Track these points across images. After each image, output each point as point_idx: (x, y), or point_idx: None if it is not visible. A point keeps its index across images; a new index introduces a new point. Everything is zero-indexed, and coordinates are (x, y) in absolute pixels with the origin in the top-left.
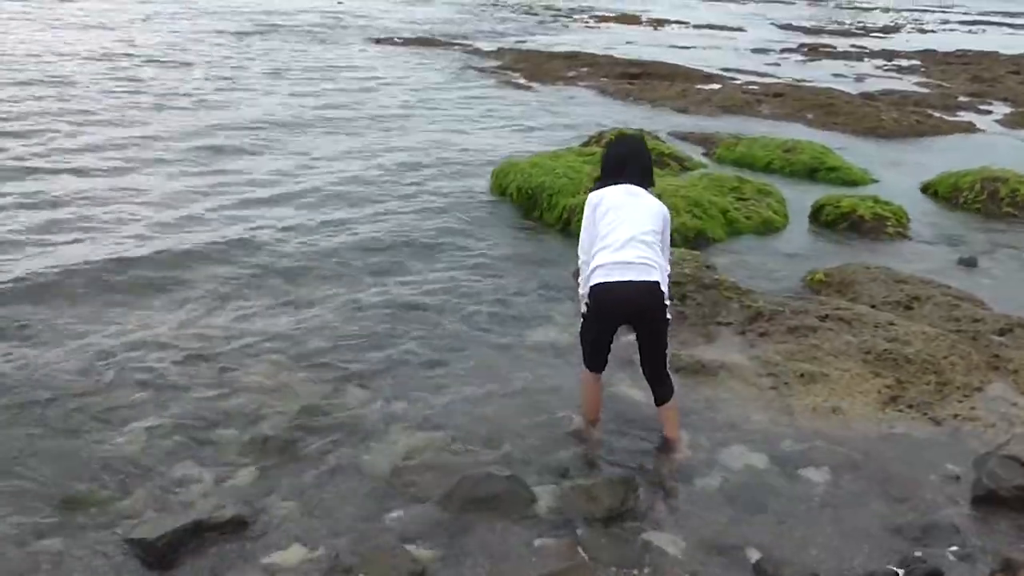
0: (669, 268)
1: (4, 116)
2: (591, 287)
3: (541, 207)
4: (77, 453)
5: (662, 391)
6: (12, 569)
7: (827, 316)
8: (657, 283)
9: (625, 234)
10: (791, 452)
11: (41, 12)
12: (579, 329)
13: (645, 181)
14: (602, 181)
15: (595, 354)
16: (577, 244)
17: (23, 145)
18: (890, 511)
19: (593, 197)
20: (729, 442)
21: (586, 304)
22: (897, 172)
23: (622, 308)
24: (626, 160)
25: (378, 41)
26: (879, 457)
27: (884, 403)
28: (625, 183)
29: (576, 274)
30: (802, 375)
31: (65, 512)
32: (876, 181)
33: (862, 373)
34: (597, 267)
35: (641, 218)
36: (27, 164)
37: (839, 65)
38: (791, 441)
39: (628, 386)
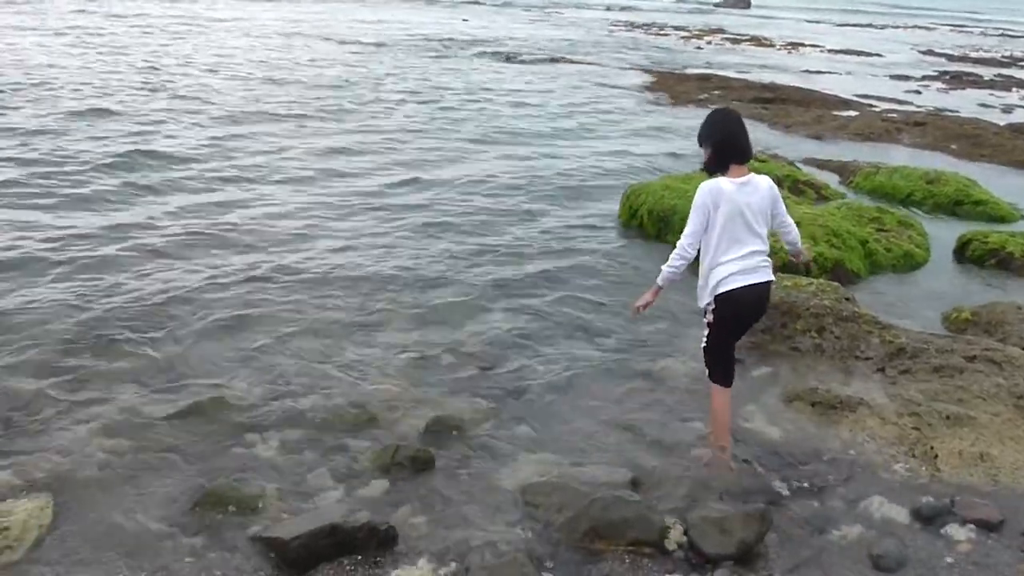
0: (796, 230)
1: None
2: (722, 293)
3: (673, 231)
4: (218, 455)
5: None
6: (157, 563)
7: (975, 356)
8: (772, 281)
9: (747, 247)
10: (934, 505)
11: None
12: (705, 344)
13: (749, 156)
14: (715, 162)
15: (727, 364)
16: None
17: None
18: None
19: (707, 195)
20: (869, 491)
21: (712, 312)
22: None
23: (752, 310)
24: (735, 141)
25: (508, 59)
26: None
27: None
28: (735, 165)
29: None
30: (947, 417)
31: (205, 509)
32: None
33: (1013, 418)
34: (728, 275)
35: (758, 221)
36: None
37: (984, 95)
38: (934, 493)
39: (764, 422)
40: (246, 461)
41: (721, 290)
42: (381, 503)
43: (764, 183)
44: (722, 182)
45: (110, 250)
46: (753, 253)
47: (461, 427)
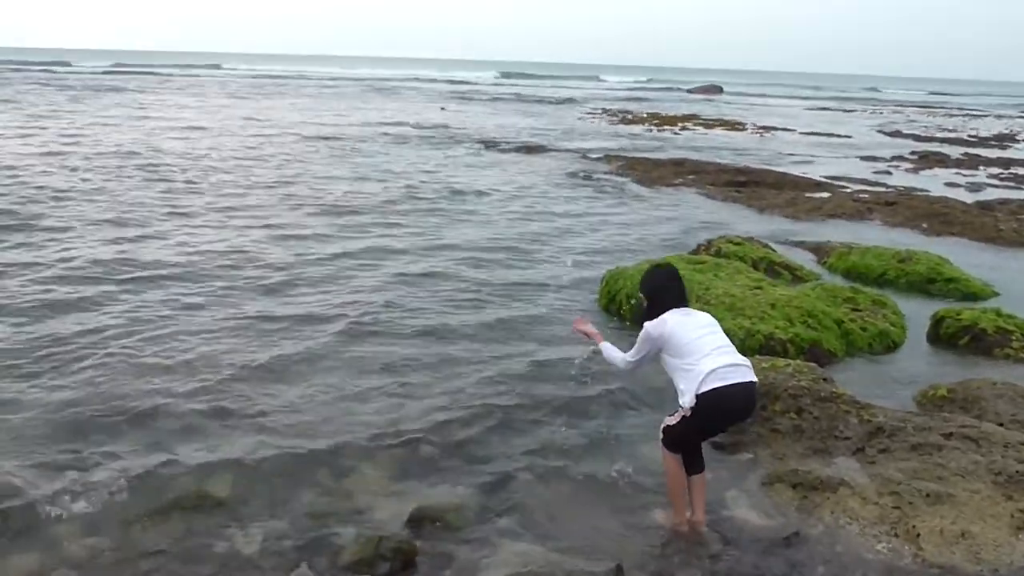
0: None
1: None
2: (706, 392)
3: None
4: (199, 553)
5: (703, 463)
6: None
7: (952, 434)
8: (755, 382)
9: (716, 343)
10: None
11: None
12: (672, 424)
13: (685, 303)
14: (655, 311)
15: (685, 446)
16: None
17: None
18: None
19: (654, 329)
20: (852, 573)
21: (692, 408)
22: (1020, 284)
23: (740, 411)
24: (677, 290)
25: (487, 147)
26: None
27: (1017, 528)
28: (672, 311)
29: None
30: (928, 495)
31: None
32: (997, 294)
33: (992, 495)
34: (710, 372)
35: (715, 328)
36: None
37: (951, 174)
38: (917, 573)
39: (746, 506)
40: (228, 559)
41: (704, 388)
42: None
43: (704, 314)
44: (665, 315)
45: (93, 336)
46: (728, 348)
47: (444, 517)
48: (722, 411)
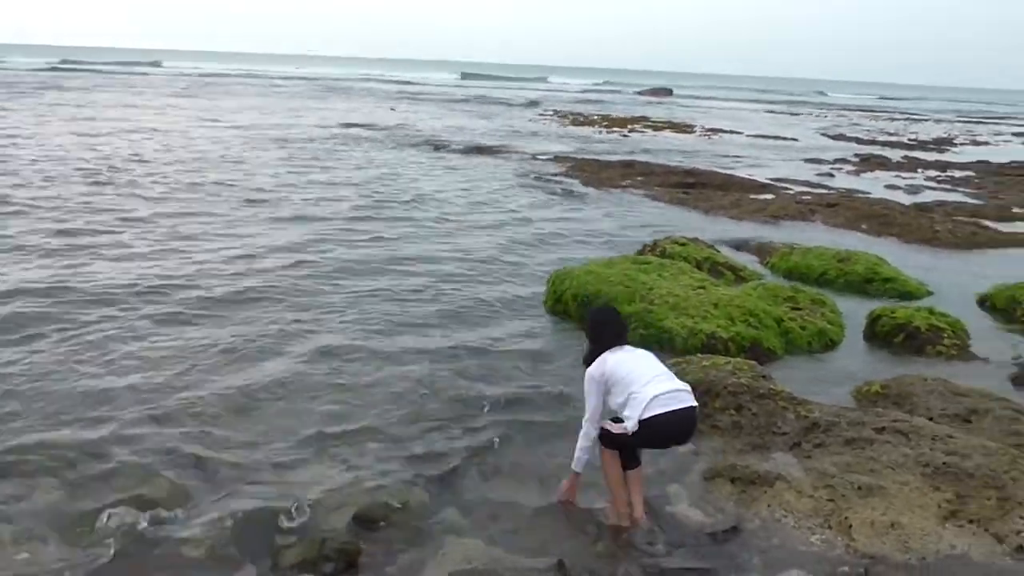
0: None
1: None
2: (650, 417)
3: None
4: (143, 557)
5: (639, 459)
6: None
7: (884, 428)
8: (696, 407)
9: (656, 370)
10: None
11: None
12: (611, 434)
13: (623, 342)
14: (596, 351)
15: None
16: None
17: None
18: None
19: (595, 370)
20: (786, 565)
21: (635, 432)
22: (953, 284)
23: (681, 434)
24: (616, 328)
25: (437, 148)
26: None
27: (944, 518)
28: (618, 346)
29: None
30: (859, 488)
31: None
32: (931, 293)
33: (921, 487)
34: (652, 398)
35: (653, 359)
36: None
37: (892, 176)
38: (849, 563)
39: (686, 501)
40: (172, 562)
41: (647, 415)
42: None
43: (642, 350)
44: (603, 355)
45: (22, 361)
46: (667, 375)
47: (389, 516)
48: (662, 436)
